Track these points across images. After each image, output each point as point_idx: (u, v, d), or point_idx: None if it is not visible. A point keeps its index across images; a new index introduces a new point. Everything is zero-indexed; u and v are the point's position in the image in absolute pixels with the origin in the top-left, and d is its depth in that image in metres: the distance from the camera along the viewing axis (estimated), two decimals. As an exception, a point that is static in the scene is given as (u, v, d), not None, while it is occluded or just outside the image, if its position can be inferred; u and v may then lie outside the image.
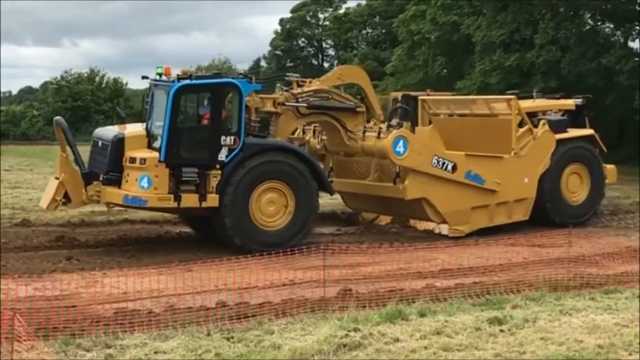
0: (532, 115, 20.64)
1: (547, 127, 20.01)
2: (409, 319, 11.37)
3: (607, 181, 21.58)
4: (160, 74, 17.29)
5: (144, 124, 17.51)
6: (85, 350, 10.05)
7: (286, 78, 19.55)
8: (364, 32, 60.06)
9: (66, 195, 17.00)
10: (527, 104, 21.23)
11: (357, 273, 14.47)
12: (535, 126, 19.96)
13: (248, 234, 16.73)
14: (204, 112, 17.14)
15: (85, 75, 67.70)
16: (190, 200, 16.49)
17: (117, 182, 16.66)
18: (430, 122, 20.29)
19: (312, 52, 64.69)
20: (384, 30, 56.82)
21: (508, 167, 19.18)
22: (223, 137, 16.70)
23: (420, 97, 22.04)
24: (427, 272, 14.64)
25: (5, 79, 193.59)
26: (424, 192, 18.24)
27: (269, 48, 63.33)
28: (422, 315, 11.57)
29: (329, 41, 63.22)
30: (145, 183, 16.36)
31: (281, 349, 10.06)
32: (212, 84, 17.13)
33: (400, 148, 17.89)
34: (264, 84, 19.06)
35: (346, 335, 10.36)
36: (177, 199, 16.40)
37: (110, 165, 16.77)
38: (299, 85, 18.95)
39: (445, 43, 41.80)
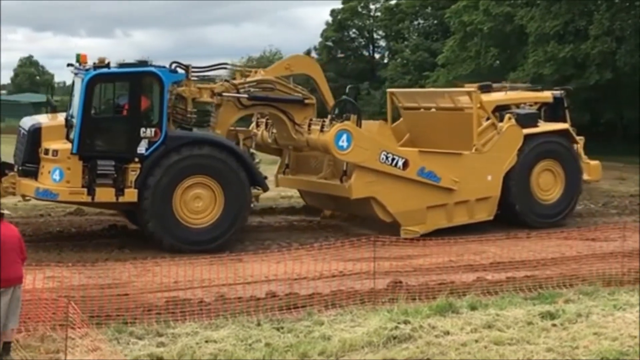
0: (504, 109, 19.57)
1: (513, 121, 18.76)
2: (459, 312, 11.31)
3: (588, 178, 20.42)
4: (78, 61, 16.51)
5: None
6: (138, 338, 10.18)
7: (228, 67, 18.50)
8: (415, 23, 59.60)
9: None
10: (497, 97, 20.22)
11: (407, 265, 14.43)
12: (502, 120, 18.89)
13: (171, 232, 15.92)
14: (121, 102, 16.46)
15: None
16: (105, 194, 15.69)
17: (34, 174, 16.03)
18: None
19: (363, 43, 64.40)
20: (435, 21, 56.33)
21: (468, 164, 18.07)
22: (142, 129, 15.84)
23: (388, 90, 21.47)
24: (478, 265, 14.54)
25: (59, 70, 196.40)
26: (371, 191, 17.16)
27: (320, 39, 63.28)
28: (473, 308, 11.51)
29: (380, 32, 62.86)
30: (57, 176, 15.67)
31: (331, 340, 10.07)
32: (128, 73, 16.29)
33: (343, 142, 16.79)
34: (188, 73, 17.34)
35: (396, 328, 10.34)
36: (91, 192, 15.63)
37: (26, 156, 16.21)
38: (244, 76, 18.00)
39: (498, 34, 41.39)
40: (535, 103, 20.70)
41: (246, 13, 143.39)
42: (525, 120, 19.11)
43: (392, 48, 59.53)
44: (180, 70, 16.90)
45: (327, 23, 62.70)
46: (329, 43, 62.14)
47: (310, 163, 19.17)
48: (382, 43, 63.75)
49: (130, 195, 15.77)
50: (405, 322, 10.59)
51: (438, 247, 15.15)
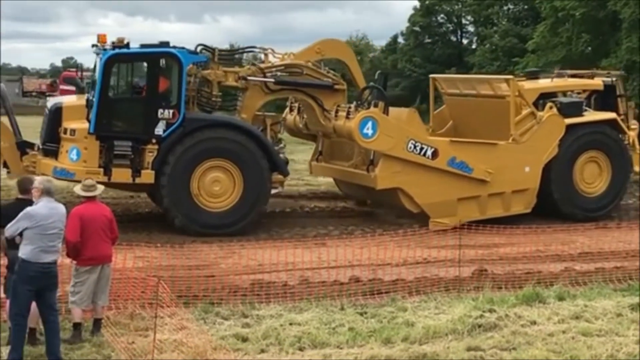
0: (551, 96, 18.69)
1: (554, 110, 17.83)
2: (546, 302, 11.15)
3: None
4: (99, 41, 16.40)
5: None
6: (223, 318, 10.35)
7: (256, 50, 17.87)
8: (505, 8, 58.62)
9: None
10: (542, 84, 19.33)
11: (493, 254, 14.28)
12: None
13: (188, 214, 15.82)
14: (139, 82, 16.36)
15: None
16: (122, 175, 15.67)
17: (54, 153, 16.13)
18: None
19: (451, 28, 63.60)
20: (526, 7, 55.25)
21: (504, 154, 17.31)
22: (160, 110, 15.72)
23: (431, 76, 20.92)
24: (566, 255, 14.30)
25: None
26: (397, 182, 16.56)
27: (407, 24, 62.79)
28: (560, 298, 11.34)
29: (469, 17, 62.05)
30: (74, 155, 15.73)
31: (414, 326, 10.04)
32: (146, 54, 16.18)
33: (368, 130, 16.18)
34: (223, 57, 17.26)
35: (481, 316, 10.25)
36: (108, 173, 15.60)
37: (47, 135, 16.31)
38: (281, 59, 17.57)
39: (590, 20, 40.37)
40: (584, 91, 19.73)
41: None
42: (568, 110, 18.21)
43: (480, 33, 58.66)
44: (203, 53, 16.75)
45: (414, 8, 62.18)
46: (416, 28, 61.57)
47: (344, 150, 18.55)
48: (471, 28, 62.84)
49: (147, 176, 15.76)
50: (491, 311, 10.49)
51: (525, 237, 14.92)
